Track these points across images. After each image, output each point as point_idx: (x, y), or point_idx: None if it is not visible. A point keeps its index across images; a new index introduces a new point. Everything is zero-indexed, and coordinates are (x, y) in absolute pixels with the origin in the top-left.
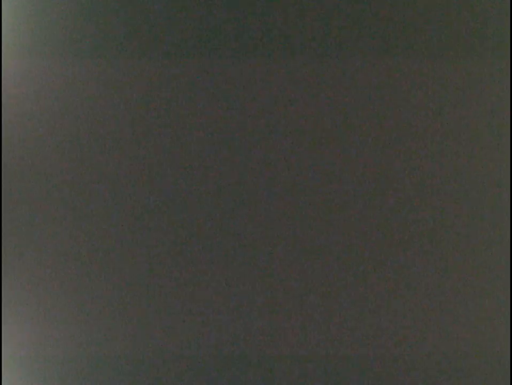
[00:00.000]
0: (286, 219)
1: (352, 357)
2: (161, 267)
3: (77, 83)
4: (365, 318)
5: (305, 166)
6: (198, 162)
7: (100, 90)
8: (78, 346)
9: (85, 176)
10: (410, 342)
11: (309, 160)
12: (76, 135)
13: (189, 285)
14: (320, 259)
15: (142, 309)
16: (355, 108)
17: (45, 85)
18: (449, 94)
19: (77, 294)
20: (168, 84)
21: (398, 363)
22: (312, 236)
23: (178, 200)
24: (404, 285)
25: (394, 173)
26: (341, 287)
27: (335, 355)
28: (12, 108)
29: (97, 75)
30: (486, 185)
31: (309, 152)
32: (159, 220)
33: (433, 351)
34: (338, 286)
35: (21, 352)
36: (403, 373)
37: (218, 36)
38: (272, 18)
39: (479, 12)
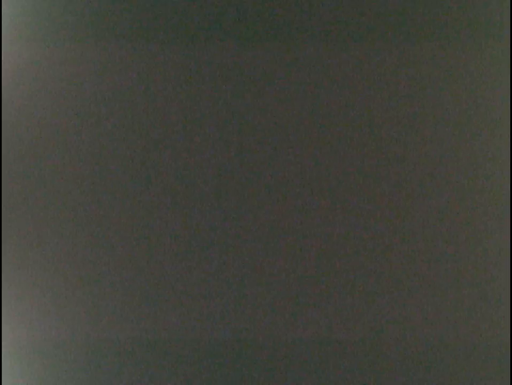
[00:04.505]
0: (284, 215)
1: (351, 347)
2: (161, 263)
3: (78, 71)
4: (366, 319)
5: (305, 159)
6: (198, 155)
7: (100, 78)
8: (78, 343)
9: (85, 168)
10: (410, 341)
11: (309, 153)
12: (76, 125)
13: (189, 283)
14: (318, 257)
15: (142, 309)
16: (353, 102)
17: (46, 73)
18: (448, 88)
19: (77, 292)
20: (170, 72)
21: (398, 362)
22: (312, 231)
23: (178, 194)
24: (404, 284)
25: (393, 170)
26: (340, 284)
27: (334, 343)
28: (12, 98)
29: (97, 63)
30: (486, 184)
31: (309, 145)
32: (159, 215)
33: (434, 347)
34: (337, 285)
35: (21, 348)
36: (402, 371)
37: (218, 24)
38: (272, 7)
39: (480, 6)
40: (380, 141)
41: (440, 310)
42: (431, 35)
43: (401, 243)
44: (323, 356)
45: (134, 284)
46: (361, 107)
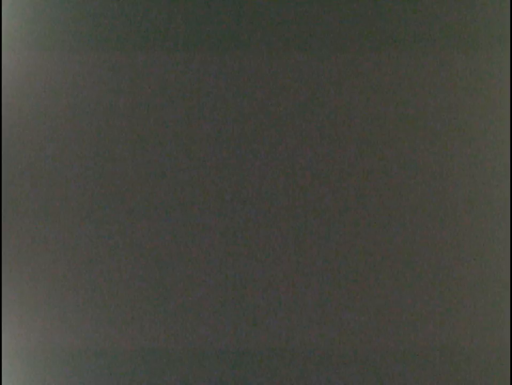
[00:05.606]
0: (283, 215)
1: (350, 354)
2: (161, 264)
3: (78, 76)
4: (366, 319)
5: (303, 163)
6: (197, 158)
7: (101, 83)
8: (78, 342)
9: (85, 170)
10: (409, 342)
11: (307, 157)
12: (77, 129)
13: (189, 283)
14: (317, 258)
15: (141, 309)
16: (351, 107)
17: (46, 78)
18: (448, 92)
19: (77, 294)
20: (168, 78)
21: (397, 362)
22: (312, 233)
23: (178, 195)
24: (404, 285)
25: (393, 171)
26: (339, 284)
27: (333, 352)
28: (12, 102)
29: (97, 68)
30: (486, 184)
31: (307, 149)
32: (159, 215)
33: (433, 350)
34: (336, 284)
35: (21, 347)
36: (402, 372)
37: (218, 30)
38: (270, 13)
39: (479, 9)
40: (380, 141)
41: (439, 313)
42: (431, 39)
43: (399, 244)
44: (324, 365)
45: (136, 286)
46: (362, 113)
